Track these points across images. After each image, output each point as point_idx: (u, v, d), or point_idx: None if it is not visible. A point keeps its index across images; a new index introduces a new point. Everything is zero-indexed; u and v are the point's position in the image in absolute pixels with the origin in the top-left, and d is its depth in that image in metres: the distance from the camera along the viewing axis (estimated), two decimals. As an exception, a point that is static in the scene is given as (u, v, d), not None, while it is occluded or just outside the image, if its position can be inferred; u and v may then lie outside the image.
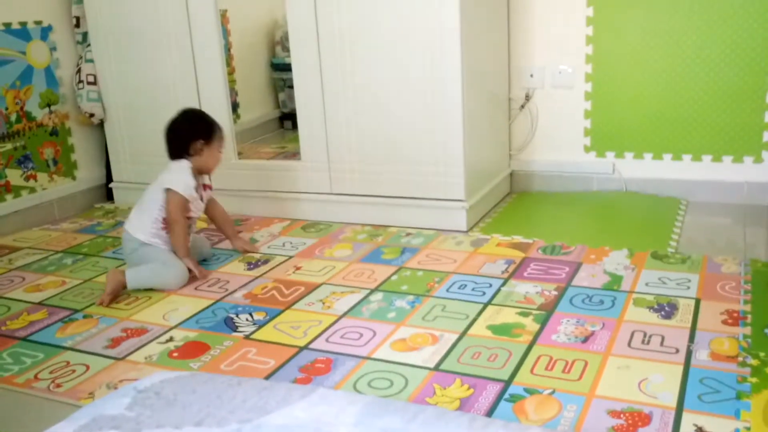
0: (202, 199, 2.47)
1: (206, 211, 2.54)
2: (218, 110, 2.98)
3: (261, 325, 2.00)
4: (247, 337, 1.94)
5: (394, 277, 2.28)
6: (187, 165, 2.40)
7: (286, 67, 3.07)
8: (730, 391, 1.53)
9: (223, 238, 2.76)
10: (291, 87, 2.91)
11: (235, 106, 3.54)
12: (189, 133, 2.42)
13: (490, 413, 1.51)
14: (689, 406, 1.49)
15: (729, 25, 2.74)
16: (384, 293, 2.16)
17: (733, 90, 2.79)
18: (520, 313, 1.97)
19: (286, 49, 3.24)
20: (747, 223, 2.64)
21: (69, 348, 1.94)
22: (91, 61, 3.21)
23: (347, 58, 2.68)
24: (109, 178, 3.40)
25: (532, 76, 3.10)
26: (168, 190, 2.35)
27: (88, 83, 3.21)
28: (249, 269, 2.43)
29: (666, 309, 1.93)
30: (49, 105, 3.19)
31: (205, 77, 2.97)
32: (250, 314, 2.08)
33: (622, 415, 1.46)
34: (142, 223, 2.36)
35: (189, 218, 2.42)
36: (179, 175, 2.38)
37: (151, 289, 2.29)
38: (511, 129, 3.20)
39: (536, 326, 1.88)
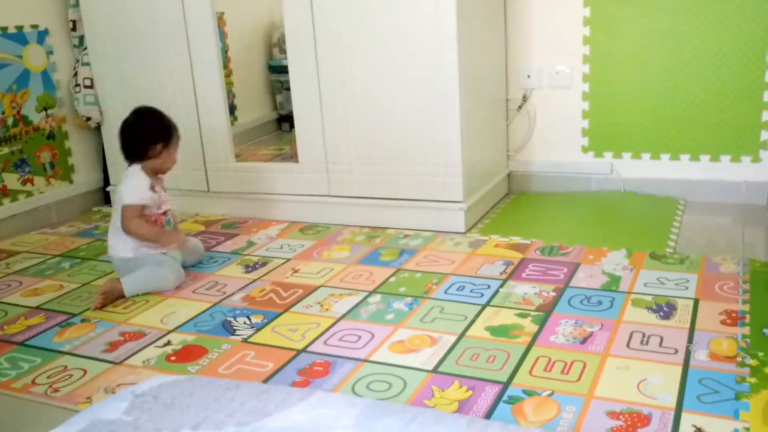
0: (164, 191, 2.44)
1: None
2: (215, 112, 2.98)
3: (259, 328, 2.00)
4: (245, 340, 1.93)
5: (392, 279, 2.28)
6: (137, 170, 2.35)
7: (284, 69, 3.06)
8: (729, 391, 1.53)
9: (221, 240, 2.76)
10: (288, 89, 2.91)
11: (232, 109, 3.53)
12: (148, 136, 2.36)
13: (488, 415, 1.50)
14: (688, 406, 1.48)
15: (726, 25, 2.74)
16: (382, 295, 2.16)
17: (730, 89, 2.79)
18: (519, 315, 1.96)
19: (283, 51, 3.24)
20: (745, 222, 2.64)
21: (66, 352, 1.94)
22: (88, 64, 3.20)
23: (344, 59, 2.68)
24: (106, 181, 3.39)
25: (529, 76, 3.10)
26: (123, 207, 2.32)
27: (85, 87, 3.20)
28: (247, 272, 2.43)
29: (664, 309, 1.93)
30: (46, 109, 3.18)
31: (202, 80, 2.97)
32: (248, 317, 2.07)
33: (621, 416, 1.46)
34: (124, 243, 2.35)
35: (164, 214, 2.40)
36: (131, 184, 2.33)
37: (148, 293, 2.29)
38: (508, 130, 3.20)
39: (535, 327, 1.88)
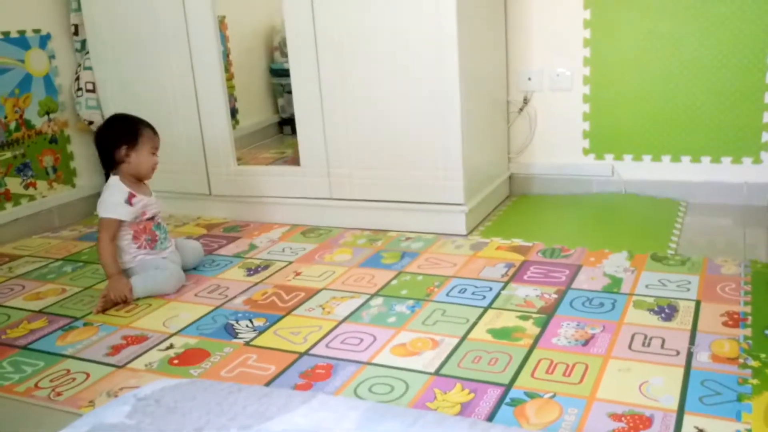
0: (150, 195, 2.40)
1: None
2: (217, 116, 2.99)
3: (261, 331, 2.00)
4: (247, 343, 1.93)
5: (393, 282, 2.28)
6: (115, 180, 2.32)
7: (285, 73, 3.07)
8: (731, 393, 1.53)
9: (222, 243, 2.76)
10: (289, 92, 2.91)
11: (234, 112, 3.54)
12: (111, 141, 2.32)
13: (490, 418, 1.50)
14: (690, 408, 1.48)
15: (727, 27, 2.74)
16: (384, 298, 2.16)
17: (731, 91, 2.80)
18: (521, 317, 1.96)
19: (285, 54, 3.25)
20: (746, 224, 2.64)
21: (69, 356, 1.94)
22: (90, 68, 3.21)
23: (345, 62, 2.68)
24: (108, 185, 3.40)
25: (530, 79, 3.10)
26: (99, 219, 2.31)
27: (87, 91, 3.21)
28: (249, 275, 2.43)
29: (666, 311, 1.93)
30: (48, 113, 3.19)
31: (203, 83, 2.98)
32: (250, 320, 2.07)
33: (623, 418, 1.46)
34: (121, 253, 2.35)
35: (152, 219, 2.38)
36: (106, 196, 2.31)
37: (150, 296, 2.29)
38: (509, 132, 3.21)
39: (536, 330, 1.88)
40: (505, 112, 3.16)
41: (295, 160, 2.98)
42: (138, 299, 2.28)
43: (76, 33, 3.23)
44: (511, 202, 3.13)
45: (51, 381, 1.81)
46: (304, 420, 1.35)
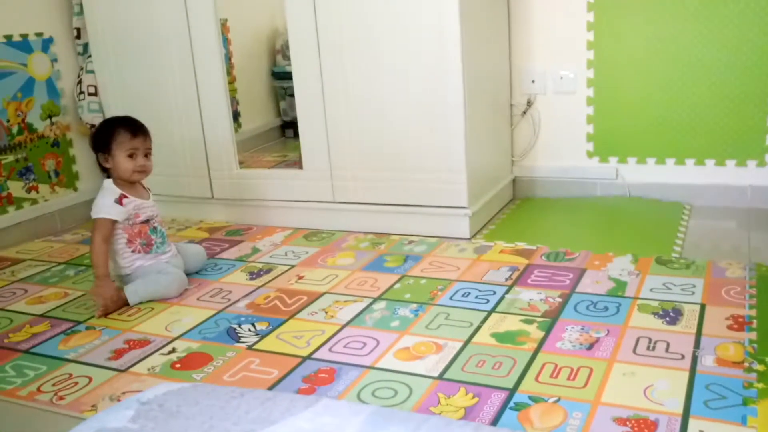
0: (144, 198, 2.40)
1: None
2: (219, 120, 2.98)
3: (264, 335, 1.99)
4: (249, 347, 1.93)
5: (397, 286, 2.27)
6: (108, 184, 2.34)
7: (287, 76, 3.07)
8: (737, 397, 1.52)
9: (225, 247, 2.76)
10: (292, 95, 2.91)
11: (236, 115, 3.54)
12: (94, 149, 2.36)
13: (495, 422, 1.50)
14: (695, 412, 1.48)
15: (731, 29, 2.74)
16: (387, 302, 2.15)
17: (735, 94, 2.79)
18: (525, 321, 1.96)
19: (287, 57, 3.25)
20: (751, 227, 2.63)
21: (72, 360, 1.94)
22: (92, 72, 3.21)
23: (348, 65, 2.68)
24: (111, 188, 3.40)
25: (533, 81, 3.10)
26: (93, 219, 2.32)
27: (89, 94, 3.21)
28: (251, 279, 2.42)
29: (671, 315, 1.92)
30: (50, 116, 3.19)
31: (205, 87, 2.97)
32: (253, 324, 2.07)
33: (628, 422, 1.45)
34: (115, 263, 2.35)
35: (147, 222, 2.38)
36: (98, 197, 2.33)
37: (152, 300, 2.29)
38: (513, 135, 3.20)
39: (541, 333, 1.87)
40: (509, 114, 3.16)
41: (297, 164, 2.97)
42: (140, 303, 2.28)
43: (78, 36, 3.23)
44: (515, 205, 3.12)
45: (53, 385, 1.80)
46: (307, 424, 1.35)
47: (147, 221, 2.37)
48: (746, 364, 1.64)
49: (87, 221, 3.32)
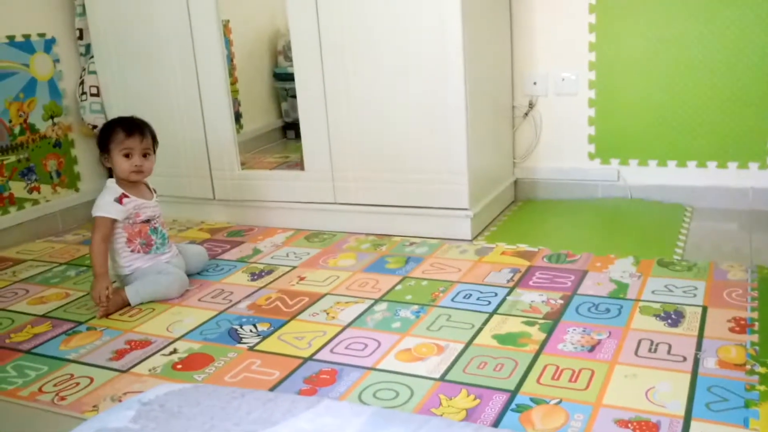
0: (147, 198, 2.39)
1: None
2: (221, 121, 2.99)
3: (265, 336, 1.99)
4: (251, 348, 1.93)
5: (398, 287, 2.27)
6: (110, 182, 2.35)
7: (289, 77, 3.07)
8: (739, 399, 1.52)
9: (226, 248, 2.76)
10: (294, 96, 2.91)
11: (237, 116, 3.54)
12: (99, 151, 2.39)
13: (496, 423, 1.49)
14: (697, 414, 1.47)
15: (732, 31, 2.74)
16: (388, 303, 2.15)
17: (737, 96, 2.79)
18: (526, 323, 1.95)
19: (289, 58, 3.25)
20: (753, 229, 2.63)
21: (73, 360, 1.94)
22: (94, 72, 3.21)
23: (350, 67, 2.68)
24: (112, 189, 3.40)
25: (535, 83, 3.10)
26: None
27: (91, 95, 3.21)
28: (252, 280, 2.42)
29: (672, 317, 1.92)
30: (52, 117, 3.19)
31: (207, 88, 2.98)
32: (254, 325, 2.07)
33: (629, 425, 1.45)
34: (114, 263, 2.35)
35: (148, 222, 2.38)
36: (99, 196, 2.34)
37: (153, 301, 2.29)
38: (514, 137, 3.20)
39: (542, 335, 1.87)
40: (510, 116, 3.16)
41: (299, 165, 2.97)
42: (141, 304, 2.28)
43: (80, 37, 3.24)
44: (516, 206, 3.12)
45: (55, 385, 1.80)
46: (309, 425, 1.35)
47: (148, 221, 2.37)
48: (748, 367, 1.64)
49: (88, 222, 3.32)
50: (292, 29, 2.76)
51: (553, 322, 1.95)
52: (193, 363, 1.87)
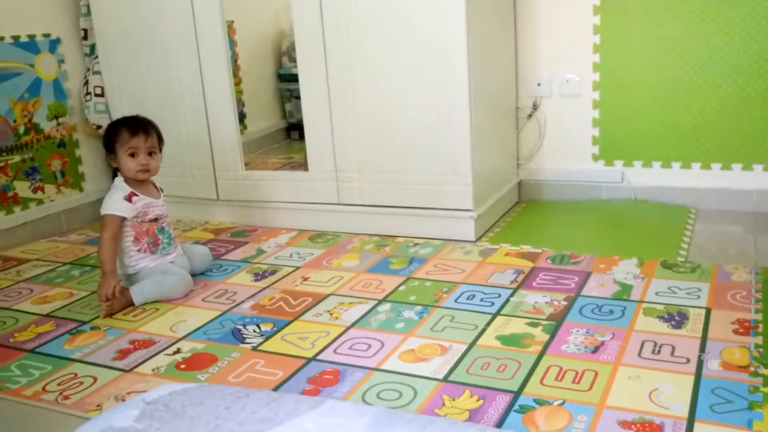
0: (154, 197, 2.40)
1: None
2: (225, 121, 2.99)
3: (269, 336, 2.00)
4: (254, 348, 1.93)
5: (402, 288, 2.27)
6: (118, 181, 2.36)
7: (293, 78, 3.08)
8: (742, 401, 1.52)
9: (230, 248, 2.76)
10: (298, 97, 2.92)
11: (241, 117, 3.54)
12: (105, 151, 2.40)
13: (499, 424, 1.49)
14: (701, 416, 1.47)
15: (737, 32, 2.73)
16: (392, 304, 2.15)
17: (742, 97, 2.78)
18: (530, 324, 1.95)
19: (293, 59, 3.25)
20: (757, 231, 2.62)
21: (77, 360, 1.94)
22: (99, 73, 3.22)
23: (354, 68, 2.68)
24: (116, 189, 3.40)
25: (539, 85, 3.10)
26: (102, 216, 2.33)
27: (96, 95, 3.22)
28: (256, 280, 2.42)
29: (676, 318, 1.92)
30: (57, 117, 3.20)
31: (212, 88, 2.98)
32: (258, 325, 2.07)
33: (633, 426, 1.45)
34: (120, 262, 2.35)
35: (156, 221, 2.38)
36: (108, 194, 2.35)
37: (157, 301, 2.29)
38: (519, 138, 3.20)
39: (546, 336, 1.87)
40: (515, 117, 3.16)
41: (303, 165, 2.98)
42: (146, 303, 2.28)
43: (85, 37, 3.24)
44: (520, 208, 3.12)
45: (59, 384, 1.81)
46: (312, 425, 1.35)
47: (156, 220, 2.38)
48: (752, 369, 1.64)
49: (93, 222, 3.33)
50: (296, 30, 2.76)
51: (556, 323, 1.95)
52: (196, 363, 1.87)
